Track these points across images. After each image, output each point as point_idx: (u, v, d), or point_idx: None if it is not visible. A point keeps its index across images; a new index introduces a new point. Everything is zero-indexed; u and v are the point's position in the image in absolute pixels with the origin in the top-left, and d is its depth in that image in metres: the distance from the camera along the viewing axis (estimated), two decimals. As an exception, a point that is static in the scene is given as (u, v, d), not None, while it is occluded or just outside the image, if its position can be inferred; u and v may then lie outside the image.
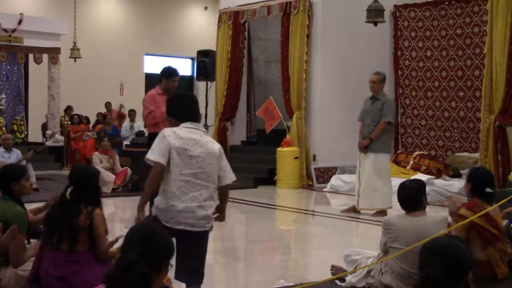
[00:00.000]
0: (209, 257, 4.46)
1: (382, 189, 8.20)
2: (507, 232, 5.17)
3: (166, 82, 6.25)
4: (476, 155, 10.28)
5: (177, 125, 3.98)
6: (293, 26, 11.76)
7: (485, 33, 10.13)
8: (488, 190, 4.80)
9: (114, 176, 10.07)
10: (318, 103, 11.79)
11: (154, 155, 3.83)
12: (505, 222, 5.50)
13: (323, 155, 11.76)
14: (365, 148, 8.21)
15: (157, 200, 3.92)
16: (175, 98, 4.20)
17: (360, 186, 8.34)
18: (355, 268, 4.58)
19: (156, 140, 3.89)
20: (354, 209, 8.50)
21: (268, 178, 11.66)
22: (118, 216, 8.82)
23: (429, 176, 10.04)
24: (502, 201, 4.36)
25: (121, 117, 16.04)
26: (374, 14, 9.50)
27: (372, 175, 8.20)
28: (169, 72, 6.25)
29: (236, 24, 13.02)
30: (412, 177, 9.47)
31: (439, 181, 10.03)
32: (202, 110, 12.44)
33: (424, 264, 2.49)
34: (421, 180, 4.71)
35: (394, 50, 12.17)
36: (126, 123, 15.28)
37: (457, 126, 11.37)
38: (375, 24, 9.59)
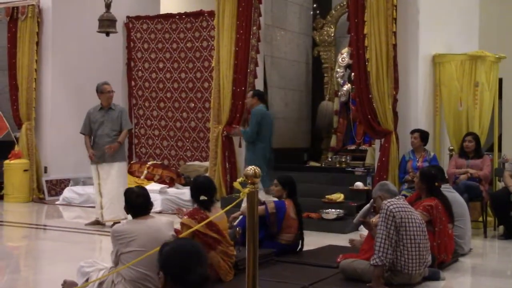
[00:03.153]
0: None
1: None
2: (233, 236, 5.49)
3: None
4: (206, 163, 10.65)
5: None
6: (21, 33, 11.27)
7: (213, 47, 10.58)
8: (202, 197, 5.07)
9: None
10: (49, 113, 11.48)
11: None
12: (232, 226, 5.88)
13: (55, 167, 11.46)
14: (111, 156, 8.24)
15: None
16: None
17: (102, 198, 8.32)
18: (87, 281, 4.51)
19: None
20: (98, 222, 8.44)
21: (-5, 193, 11.13)
22: None
23: (163, 185, 10.25)
24: (228, 207, 4.58)
25: None
26: (107, 24, 9.43)
27: (117, 185, 8.19)
28: None
29: (-44, 27, 12.10)
30: (147, 186, 9.52)
31: (172, 190, 10.28)
32: None
33: (170, 265, 2.63)
34: (143, 188, 4.78)
35: (128, 60, 12.24)
36: None
37: (189, 136, 11.72)
38: (107, 34, 9.53)
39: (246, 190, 3.72)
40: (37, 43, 11.26)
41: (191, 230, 4.69)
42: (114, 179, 8.28)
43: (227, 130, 9.54)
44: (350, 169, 9.61)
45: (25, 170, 10.98)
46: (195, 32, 11.56)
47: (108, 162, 8.30)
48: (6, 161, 11.01)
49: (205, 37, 11.48)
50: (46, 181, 11.28)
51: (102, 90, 8.43)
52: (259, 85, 10.15)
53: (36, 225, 9.45)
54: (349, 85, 10.49)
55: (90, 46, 11.60)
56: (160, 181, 10.60)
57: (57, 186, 11.37)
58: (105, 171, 8.32)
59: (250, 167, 3.75)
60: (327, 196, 8.60)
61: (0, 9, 11.55)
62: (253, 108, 8.09)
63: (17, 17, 11.32)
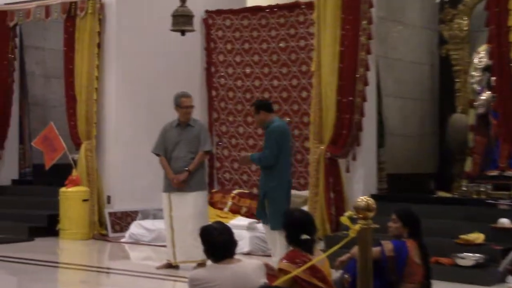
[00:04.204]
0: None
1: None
2: (341, 284, 5.47)
3: None
4: (306, 193, 10.57)
5: None
6: (80, 33, 11.58)
7: (312, 47, 10.53)
8: (304, 237, 5.07)
9: None
10: (113, 131, 11.65)
11: None
12: (339, 273, 5.83)
13: (120, 197, 11.58)
14: (183, 184, 8.35)
15: None
16: None
17: (174, 234, 8.43)
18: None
19: None
20: (170, 265, 8.52)
21: (49, 228, 11.31)
22: None
23: (251, 220, 10.21)
24: (334, 248, 4.58)
25: None
26: (182, 21, 9.47)
27: (190, 220, 8.31)
28: None
29: (2, 28, 12.61)
30: (232, 221, 9.76)
31: (261, 226, 9.82)
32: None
33: None
34: (225, 225, 4.81)
35: (207, 65, 12.35)
36: None
37: None
38: (183, 33, 9.62)
39: (357, 226, 3.74)
40: (99, 45, 11.49)
41: (290, 275, 4.68)
42: (189, 211, 8.37)
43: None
44: (491, 201, 9.34)
45: (85, 200, 11.18)
46: (290, 28, 11.62)
47: (183, 191, 8.41)
48: (62, 189, 11.23)
49: (302, 35, 11.49)
50: (110, 214, 11.46)
51: (179, 104, 8.56)
52: (370, 93, 10.08)
53: (97, 267, 9.54)
54: (488, 92, 10.25)
55: (162, 48, 11.75)
56: (248, 214, 10.63)
57: (123, 220, 11.52)
58: (179, 201, 8.45)
59: (362, 197, 3.72)
60: (461, 236, 8.40)
61: (55, 6, 11.90)
62: (264, 123, 8.13)
63: (75, 14, 11.61)
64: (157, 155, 8.68)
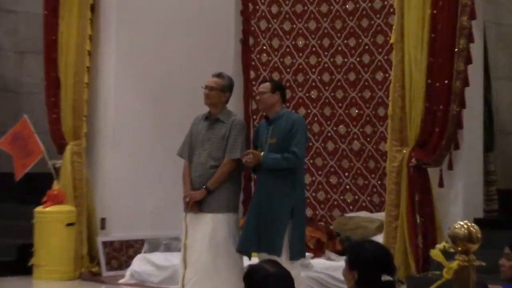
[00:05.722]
0: None
1: (224, 275, 8.33)
2: None
3: None
4: (380, 215, 10.63)
5: None
6: (66, -9, 11.81)
7: (391, 10, 10.60)
8: (385, 278, 5.01)
9: None
10: (110, 127, 11.69)
11: None
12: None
13: (118, 220, 11.60)
14: (196, 206, 8.41)
15: None
16: None
17: (186, 270, 8.46)
18: None
19: None
20: None
21: (18, 263, 11.38)
22: None
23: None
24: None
25: None
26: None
27: (208, 251, 8.35)
28: None
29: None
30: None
31: (319, 262, 10.22)
32: None
33: None
34: (283, 268, 4.84)
35: (244, 35, 12.43)
36: None
37: (350, 166, 11.68)
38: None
39: (454, 264, 3.85)
40: (93, 8, 11.54)
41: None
42: (205, 240, 8.41)
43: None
44: None
45: (69, 224, 11.21)
46: (361, -15, 11.82)
47: (198, 212, 8.51)
48: (38, 209, 11.29)
49: (378, -7, 11.65)
50: (104, 244, 11.46)
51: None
52: (474, 75, 9.97)
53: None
54: None
55: (180, 13, 11.82)
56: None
57: (122, 253, 11.51)
58: (194, 225, 8.56)
59: (462, 223, 3.82)
60: None
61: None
62: (270, 110, 8.51)
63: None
64: (182, 157, 8.87)
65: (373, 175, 11.57)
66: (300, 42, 12.15)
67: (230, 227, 8.63)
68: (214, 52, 11.96)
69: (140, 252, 11.35)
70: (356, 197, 11.73)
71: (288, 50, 12.24)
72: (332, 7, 11.85)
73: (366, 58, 11.70)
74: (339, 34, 11.82)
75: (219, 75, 8.77)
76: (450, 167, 9.94)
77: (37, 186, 11.64)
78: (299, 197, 8.30)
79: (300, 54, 12.16)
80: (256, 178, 9.15)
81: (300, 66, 12.17)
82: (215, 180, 8.42)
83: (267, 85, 8.69)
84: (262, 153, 8.42)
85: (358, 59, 11.75)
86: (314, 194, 11.96)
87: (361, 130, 11.69)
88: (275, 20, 12.26)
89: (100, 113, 11.75)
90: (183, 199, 8.54)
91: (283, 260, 7.86)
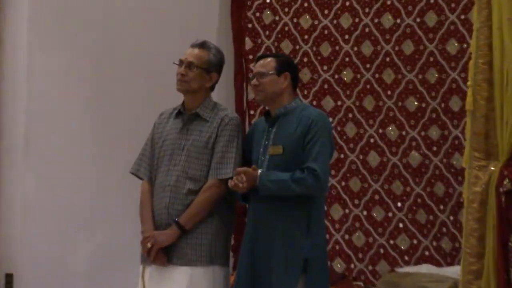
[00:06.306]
0: None
1: None
2: None
3: None
4: (454, 271, 9.45)
5: None
6: None
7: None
8: None
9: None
10: (22, 132, 10.42)
11: None
12: None
13: (31, 276, 10.26)
14: (163, 255, 7.56)
15: None
16: None
17: None
18: None
19: None
20: None
21: None
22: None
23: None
24: None
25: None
26: None
27: None
28: None
29: None
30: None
31: None
32: None
33: None
34: None
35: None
36: None
37: (404, 192, 10.64)
38: None
39: None
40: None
41: None
42: None
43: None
44: None
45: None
46: None
47: (165, 264, 7.70)
48: None
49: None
50: (11, 316, 10.02)
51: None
52: None
53: None
54: None
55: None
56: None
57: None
58: (158, 285, 7.86)
59: None
60: None
61: None
62: (276, 100, 7.70)
63: None
64: (138, 177, 7.93)
65: (441, 206, 10.44)
66: (326, 11, 10.88)
67: (215, 283, 7.93)
68: (190, 8, 11.10)
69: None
70: (415, 241, 10.59)
71: (306, 5, 10.88)
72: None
73: (430, 18, 10.49)
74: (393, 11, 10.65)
75: (202, 45, 7.87)
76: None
77: None
78: (317, 242, 7.33)
79: (326, 12, 10.79)
80: (248, 209, 7.87)
81: (326, 31, 10.85)
82: (193, 213, 7.63)
83: (269, 62, 7.72)
84: (260, 171, 7.46)
85: (418, 19, 10.50)
86: (347, 237, 10.88)
87: (422, 133, 10.46)
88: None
89: (7, 108, 10.64)
90: (141, 244, 7.67)
91: None
